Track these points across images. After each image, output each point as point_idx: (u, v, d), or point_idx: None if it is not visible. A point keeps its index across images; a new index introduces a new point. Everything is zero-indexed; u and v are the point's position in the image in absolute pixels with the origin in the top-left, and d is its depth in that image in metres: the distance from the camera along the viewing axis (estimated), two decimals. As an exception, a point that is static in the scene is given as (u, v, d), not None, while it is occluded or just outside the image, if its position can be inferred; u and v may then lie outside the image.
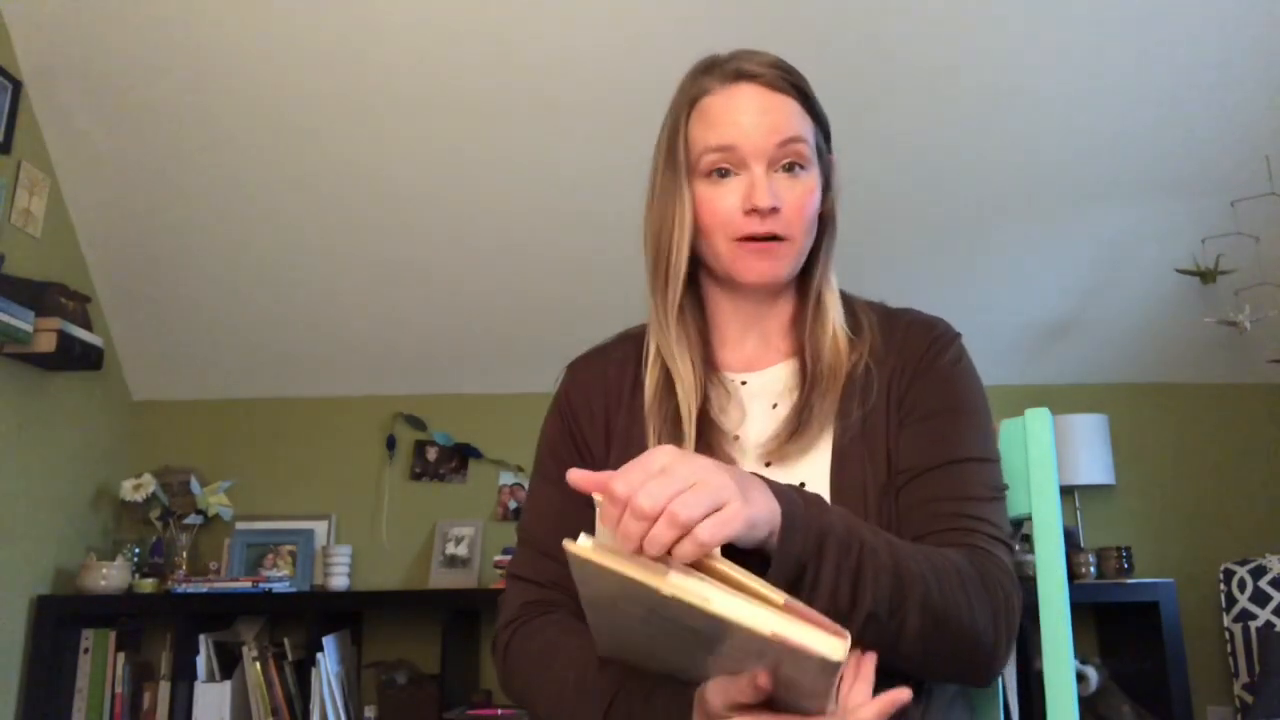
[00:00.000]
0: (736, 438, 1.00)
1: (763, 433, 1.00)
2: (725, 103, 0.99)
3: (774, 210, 0.96)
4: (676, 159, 1.01)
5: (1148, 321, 2.96)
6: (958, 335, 1.05)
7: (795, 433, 0.97)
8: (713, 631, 0.70)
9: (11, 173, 2.52)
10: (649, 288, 1.05)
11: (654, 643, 0.79)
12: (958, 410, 0.99)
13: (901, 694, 0.75)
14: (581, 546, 0.71)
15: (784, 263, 0.99)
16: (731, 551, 0.76)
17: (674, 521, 0.70)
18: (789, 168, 0.98)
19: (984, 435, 1.00)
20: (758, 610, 0.68)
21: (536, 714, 0.96)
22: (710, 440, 0.99)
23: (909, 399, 0.99)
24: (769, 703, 0.74)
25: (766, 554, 0.79)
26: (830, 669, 0.67)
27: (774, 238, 0.98)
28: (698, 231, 1.01)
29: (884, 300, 1.11)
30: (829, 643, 0.66)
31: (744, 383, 1.05)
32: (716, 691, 0.75)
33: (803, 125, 0.99)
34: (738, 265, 0.99)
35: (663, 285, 1.03)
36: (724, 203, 0.98)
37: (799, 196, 0.98)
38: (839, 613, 0.78)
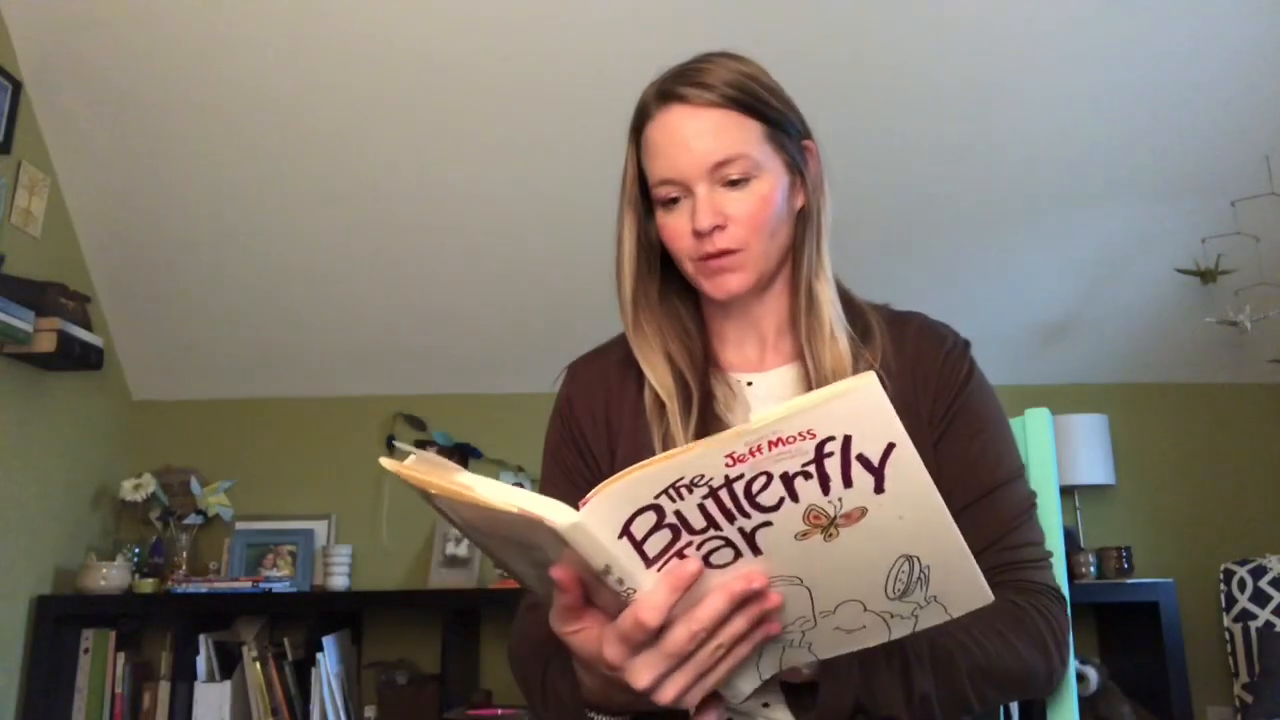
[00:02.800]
0: None
1: None
2: (661, 132, 1.00)
3: (718, 228, 0.98)
4: (624, 189, 1.06)
5: (1148, 321, 2.96)
6: (968, 345, 1.05)
7: None
8: (517, 534, 0.71)
9: (11, 173, 2.52)
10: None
11: (524, 570, 0.80)
12: (982, 432, 1.00)
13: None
14: (393, 462, 0.74)
15: (743, 274, 1.00)
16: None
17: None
18: (733, 183, 0.98)
19: (1009, 449, 1.02)
20: (517, 492, 0.69)
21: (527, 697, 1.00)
22: None
23: (931, 422, 1.00)
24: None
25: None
26: (557, 538, 0.67)
27: (728, 252, 0.99)
28: (671, 255, 1.04)
29: (889, 303, 1.10)
30: (559, 512, 0.66)
31: (749, 384, 1.05)
32: (610, 645, 0.73)
33: (741, 137, 0.98)
34: (702, 284, 1.02)
35: (621, 311, 1.07)
36: (678, 228, 1.00)
37: (747, 207, 0.98)
38: (897, 704, 0.83)
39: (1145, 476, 3.03)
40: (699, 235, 0.98)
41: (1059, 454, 2.45)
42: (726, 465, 0.64)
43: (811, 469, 0.64)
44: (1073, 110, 2.52)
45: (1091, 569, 2.77)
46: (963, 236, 2.81)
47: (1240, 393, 3.08)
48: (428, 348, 3.03)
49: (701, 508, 0.66)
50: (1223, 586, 2.71)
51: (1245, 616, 2.63)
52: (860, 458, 0.64)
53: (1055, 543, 1.04)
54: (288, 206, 2.74)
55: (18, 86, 2.51)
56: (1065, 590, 1.00)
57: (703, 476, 0.64)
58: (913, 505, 0.67)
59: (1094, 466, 2.85)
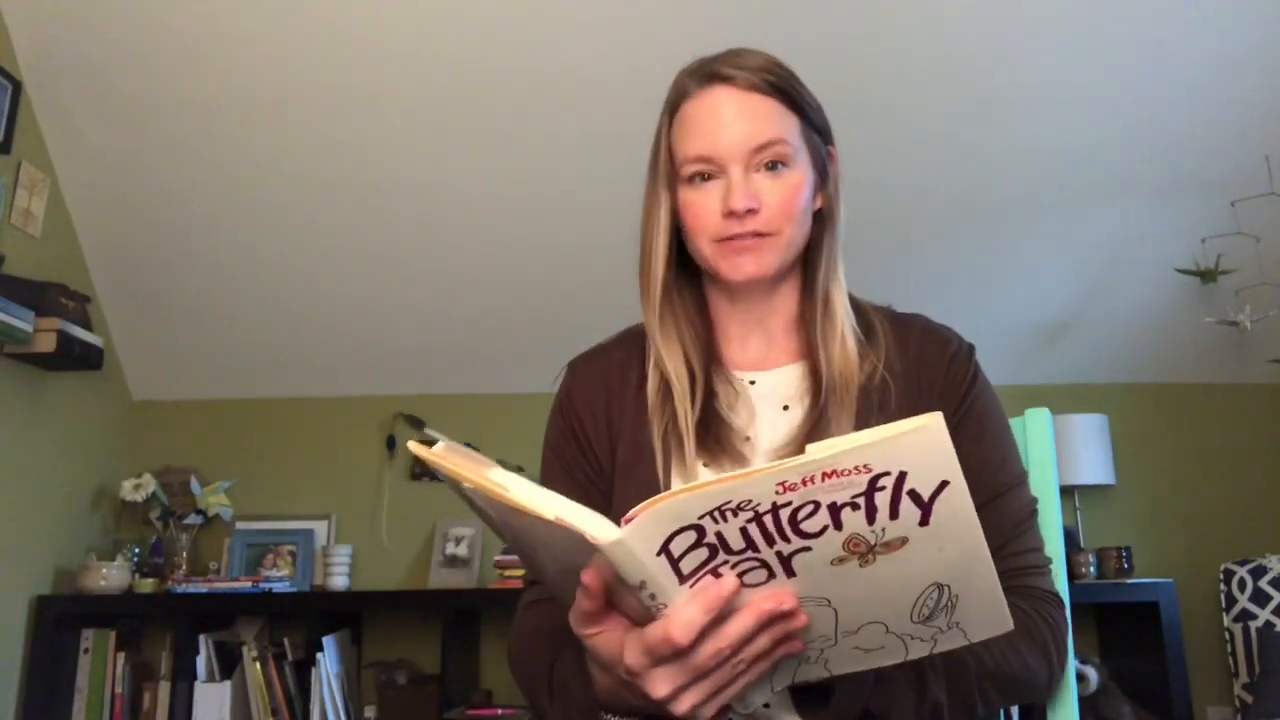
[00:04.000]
0: (748, 438, 1.00)
1: (775, 435, 0.99)
2: (701, 109, 0.99)
3: (751, 211, 0.97)
4: (658, 166, 1.03)
5: (1148, 321, 2.96)
6: (972, 348, 1.05)
7: (811, 439, 0.96)
8: (546, 536, 0.70)
9: (11, 173, 2.52)
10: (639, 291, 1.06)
11: (544, 563, 0.80)
12: (986, 436, 0.99)
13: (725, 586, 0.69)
14: (423, 448, 0.73)
15: (767, 258, 0.99)
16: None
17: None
18: (770, 166, 0.98)
19: (1013, 454, 1.01)
20: (555, 498, 0.68)
21: (523, 687, 1.00)
22: (721, 437, 0.99)
23: None
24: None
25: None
26: (593, 550, 0.66)
27: (758, 235, 0.98)
28: (686, 235, 1.02)
29: (890, 304, 1.10)
30: (600, 527, 0.65)
31: (752, 382, 1.05)
32: (632, 653, 0.73)
33: (783, 124, 0.98)
34: (722, 265, 1.00)
35: (646, 288, 1.04)
36: (704, 206, 0.99)
37: (782, 193, 0.97)
38: (908, 711, 0.84)
39: (1145, 476, 3.03)
40: (730, 215, 0.97)
41: (1059, 454, 2.45)
42: (777, 493, 0.63)
43: (860, 501, 0.64)
44: (1073, 110, 2.52)
45: (1091, 569, 2.77)
46: (963, 236, 2.81)
47: (1240, 393, 3.08)
48: (428, 348, 3.03)
49: (744, 531, 0.66)
50: (1223, 586, 2.71)
51: (1245, 616, 2.63)
52: (911, 493, 0.64)
53: (1055, 543, 1.04)
54: (287, 206, 2.74)
55: (18, 86, 2.51)
56: (1065, 595, 1.00)
57: (750, 501, 0.64)
58: (954, 539, 0.67)
59: (1094, 466, 2.85)
